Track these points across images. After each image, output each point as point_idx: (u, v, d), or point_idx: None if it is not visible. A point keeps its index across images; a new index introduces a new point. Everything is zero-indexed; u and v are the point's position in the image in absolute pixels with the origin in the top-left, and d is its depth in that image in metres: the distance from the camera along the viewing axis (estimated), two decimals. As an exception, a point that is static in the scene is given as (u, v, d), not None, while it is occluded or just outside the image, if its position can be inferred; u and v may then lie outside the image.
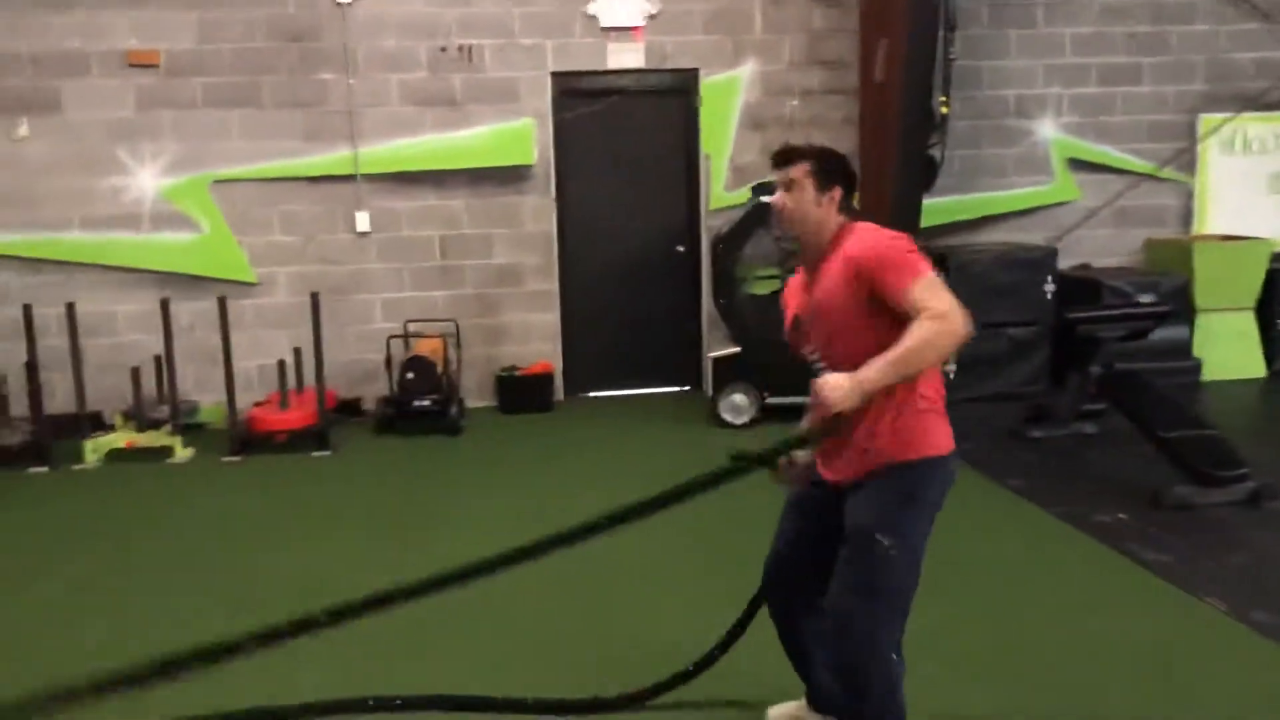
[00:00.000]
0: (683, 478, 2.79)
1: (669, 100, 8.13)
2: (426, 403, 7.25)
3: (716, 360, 7.44)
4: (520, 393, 7.92)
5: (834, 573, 2.91)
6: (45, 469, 6.69)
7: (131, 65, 7.44)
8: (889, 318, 2.76)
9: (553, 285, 8.13)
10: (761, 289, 7.39)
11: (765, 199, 7.15)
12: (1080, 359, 6.57)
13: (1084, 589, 4.44)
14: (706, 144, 8.12)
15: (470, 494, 6.02)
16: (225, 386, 6.90)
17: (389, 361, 7.52)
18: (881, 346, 2.74)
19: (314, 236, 7.80)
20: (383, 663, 3.91)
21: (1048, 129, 8.48)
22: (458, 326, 7.90)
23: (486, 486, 6.15)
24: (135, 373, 7.03)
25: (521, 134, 7.85)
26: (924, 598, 4.02)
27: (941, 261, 7.62)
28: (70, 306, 6.78)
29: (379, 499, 5.98)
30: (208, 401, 7.63)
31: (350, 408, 7.81)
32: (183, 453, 6.90)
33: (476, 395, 8.07)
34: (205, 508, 5.90)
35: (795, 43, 8.08)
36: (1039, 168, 8.52)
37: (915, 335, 2.66)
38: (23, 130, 7.36)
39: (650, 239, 8.28)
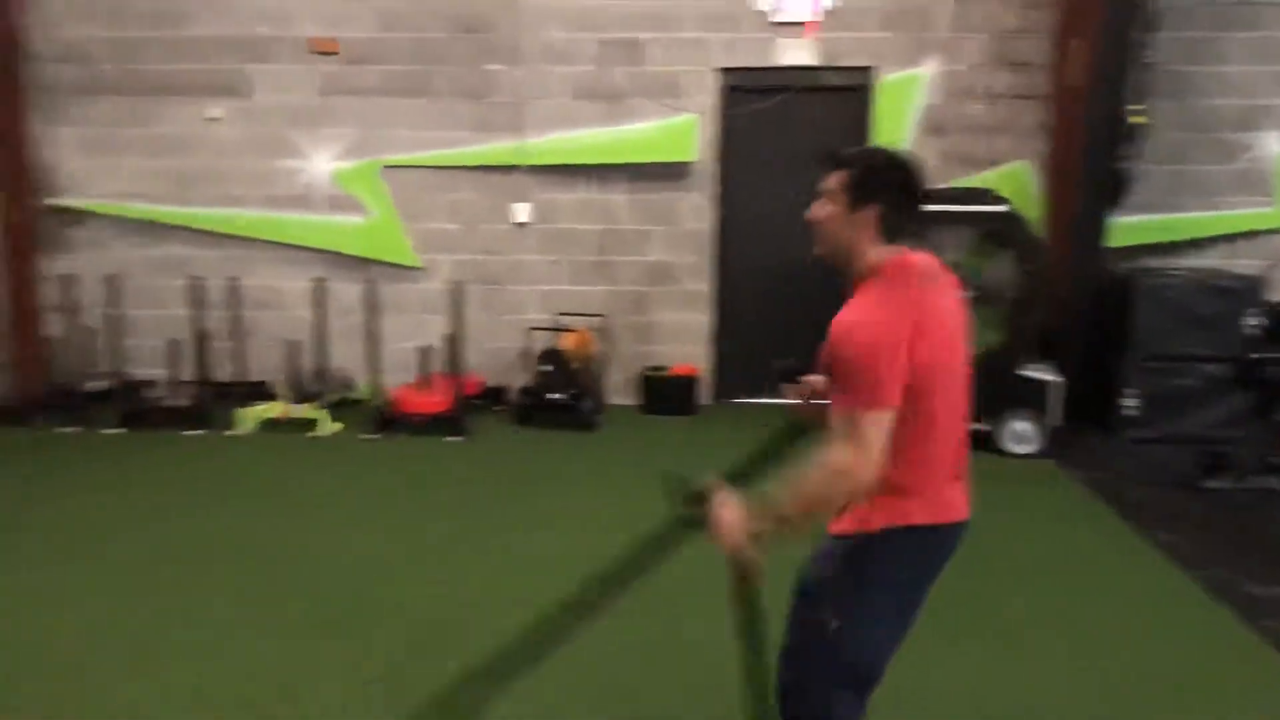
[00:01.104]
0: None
1: (841, 99, 7.76)
2: (562, 396, 7.21)
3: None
4: (663, 394, 7.77)
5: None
6: (202, 431, 7.08)
7: (314, 53, 7.76)
8: None
9: (707, 286, 7.93)
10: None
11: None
12: (1268, 405, 5.82)
13: (1197, 671, 3.87)
14: (879, 147, 7.70)
15: (581, 492, 5.92)
16: (370, 366, 7.11)
17: (530, 353, 7.54)
18: None
19: (476, 225, 7.90)
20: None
21: (1272, 144, 7.57)
22: (608, 322, 7.83)
23: (601, 485, 6.03)
24: (292, 347, 7.34)
25: (684, 130, 7.69)
26: (1003, 649, 3.61)
27: (1125, 286, 6.96)
28: (234, 280, 7.15)
29: (487, 489, 5.97)
30: (367, 379, 7.87)
31: (496, 396, 7.88)
32: (329, 426, 7.14)
33: (622, 393, 7.98)
34: (322, 480, 6.06)
35: (982, 42, 7.54)
36: (1258, 187, 7.62)
37: (808, 480, 2.27)
38: (215, 112, 7.80)
39: (813, 244, 7.91)
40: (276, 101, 7.82)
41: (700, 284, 7.92)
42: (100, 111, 7.85)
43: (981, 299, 6.79)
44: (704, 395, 7.97)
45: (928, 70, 7.60)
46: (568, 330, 7.66)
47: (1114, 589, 4.61)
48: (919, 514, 2.37)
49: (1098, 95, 6.74)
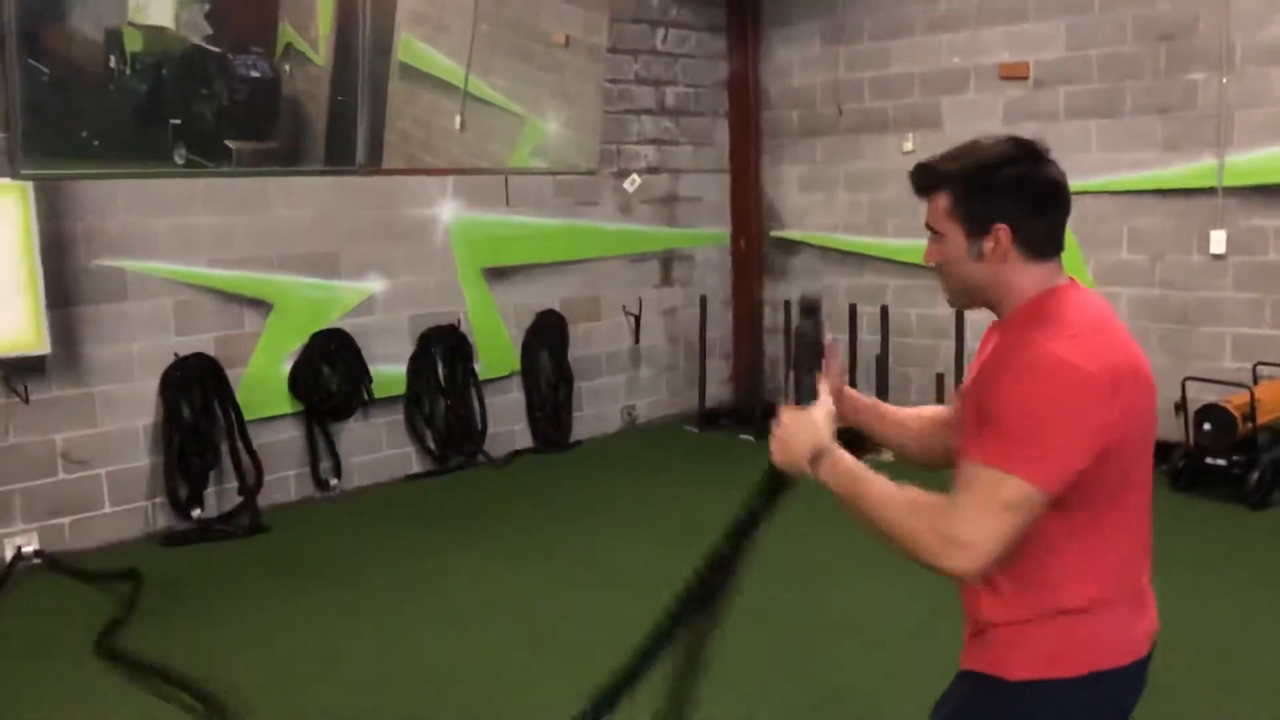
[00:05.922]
0: None
1: None
2: (1222, 462, 6.02)
3: None
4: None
5: None
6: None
7: (1002, 78, 7.53)
8: None
9: None
10: None
11: None
12: None
13: None
14: None
15: (1209, 588, 4.95)
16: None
17: (1183, 406, 6.37)
18: None
19: (1162, 256, 6.96)
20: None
21: None
22: (1321, 378, 6.31)
23: (1243, 583, 4.99)
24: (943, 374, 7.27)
25: None
26: None
27: None
28: (907, 309, 7.32)
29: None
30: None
31: (1161, 453, 6.82)
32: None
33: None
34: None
35: None
36: None
37: (901, 504, 1.79)
38: (908, 145, 8.02)
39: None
40: (964, 130, 7.74)
41: None
42: (816, 150, 8.58)
43: None
44: None
45: None
46: (1236, 384, 6.29)
47: None
48: (1081, 655, 1.84)
49: None
